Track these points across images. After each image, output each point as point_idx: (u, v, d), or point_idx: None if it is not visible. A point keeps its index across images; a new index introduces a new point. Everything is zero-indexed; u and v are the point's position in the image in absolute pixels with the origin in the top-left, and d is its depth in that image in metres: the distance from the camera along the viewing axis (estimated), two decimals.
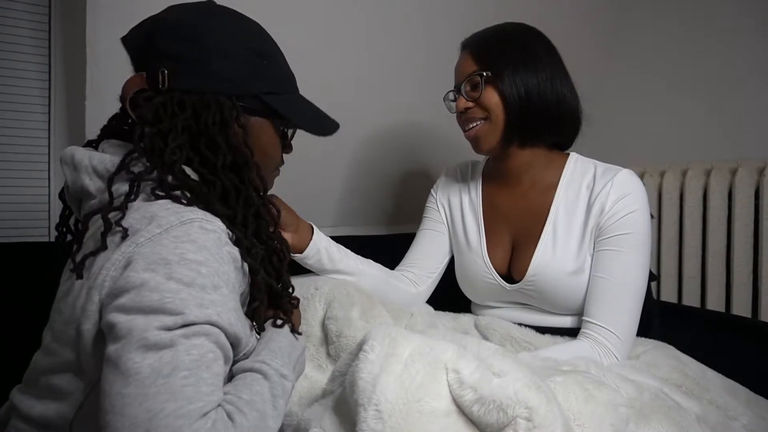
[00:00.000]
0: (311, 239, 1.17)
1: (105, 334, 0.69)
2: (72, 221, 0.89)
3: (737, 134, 1.91)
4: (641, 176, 1.99)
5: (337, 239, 1.67)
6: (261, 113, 0.87)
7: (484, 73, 1.18)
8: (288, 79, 0.93)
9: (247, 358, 0.80)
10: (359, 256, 1.27)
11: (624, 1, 2.17)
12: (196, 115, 0.81)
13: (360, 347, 0.86)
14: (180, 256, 0.70)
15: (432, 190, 1.42)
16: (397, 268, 1.37)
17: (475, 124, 1.21)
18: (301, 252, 1.16)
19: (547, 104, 1.18)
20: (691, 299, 1.91)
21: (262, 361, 0.79)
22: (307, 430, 0.85)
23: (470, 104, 1.21)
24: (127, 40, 0.87)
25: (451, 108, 1.28)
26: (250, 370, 0.78)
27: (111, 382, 0.65)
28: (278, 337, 0.85)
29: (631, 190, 1.17)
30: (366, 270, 1.25)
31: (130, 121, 0.87)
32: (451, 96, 1.27)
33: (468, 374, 0.80)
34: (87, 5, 1.27)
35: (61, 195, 0.89)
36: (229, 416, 0.69)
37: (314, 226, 1.20)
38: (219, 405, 0.69)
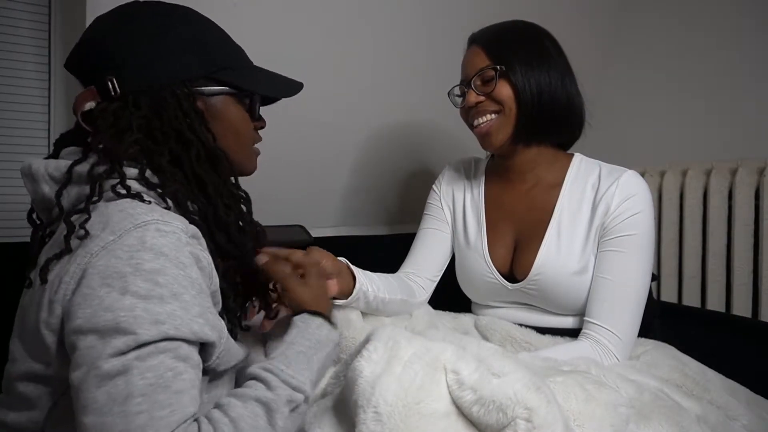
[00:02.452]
0: (354, 285, 1.14)
1: (68, 353, 0.69)
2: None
3: (737, 134, 1.91)
4: (641, 176, 1.99)
5: (338, 239, 1.66)
6: (219, 92, 0.86)
7: (498, 67, 1.18)
8: (234, 50, 0.91)
9: (220, 360, 0.77)
10: (384, 281, 1.23)
11: (624, 1, 2.17)
12: (156, 113, 0.80)
13: (363, 346, 0.86)
14: (135, 267, 0.68)
15: (434, 186, 1.40)
16: (402, 269, 1.36)
17: (486, 119, 1.20)
18: (346, 298, 1.13)
19: (557, 104, 1.19)
20: (691, 299, 1.91)
21: (270, 369, 0.77)
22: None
23: (482, 98, 1.20)
24: (69, 66, 0.87)
25: (457, 103, 1.27)
26: (255, 377, 0.77)
27: (75, 409, 0.66)
28: (301, 338, 0.84)
29: (636, 191, 1.17)
30: (391, 300, 1.22)
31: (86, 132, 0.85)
32: (458, 91, 1.26)
33: (467, 375, 0.80)
34: (87, 5, 1.27)
35: (30, 215, 0.86)
36: None
37: (352, 268, 1.16)
38: (190, 419, 0.68)
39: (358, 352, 0.86)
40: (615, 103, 2.10)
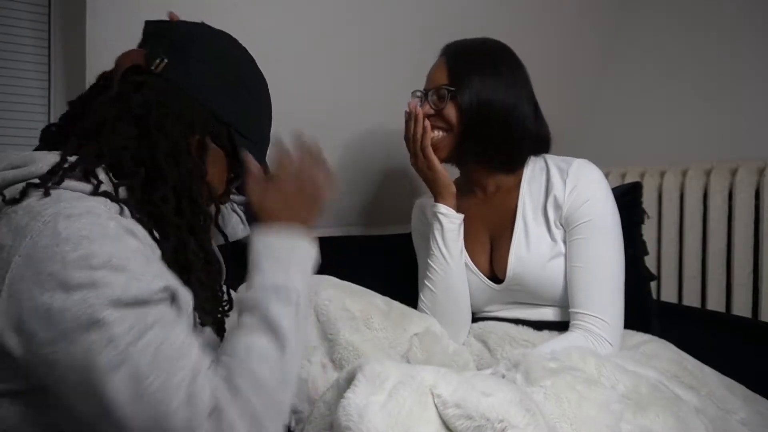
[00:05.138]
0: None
1: (35, 368, 0.66)
2: None
3: (737, 134, 1.90)
4: (641, 176, 1.99)
5: (337, 239, 1.67)
6: (222, 145, 0.86)
7: (451, 89, 1.24)
8: (265, 126, 0.93)
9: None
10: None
11: (624, 1, 2.17)
12: (161, 113, 0.79)
13: (347, 382, 0.85)
14: (62, 262, 0.64)
15: (413, 225, 1.45)
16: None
17: (435, 133, 1.27)
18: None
19: (503, 132, 1.24)
20: (691, 299, 1.90)
21: (243, 300, 0.76)
22: None
23: (432, 112, 1.26)
24: (148, 25, 0.90)
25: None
26: (243, 314, 0.75)
27: (87, 415, 0.65)
28: (265, 254, 0.79)
29: (582, 180, 1.22)
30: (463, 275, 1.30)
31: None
32: (419, 95, 1.31)
33: (450, 393, 0.80)
34: (87, 5, 1.27)
35: None
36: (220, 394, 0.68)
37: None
38: (203, 371, 0.68)
39: (346, 386, 0.85)
40: (615, 103, 2.10)
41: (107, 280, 0.65)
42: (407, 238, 1.45)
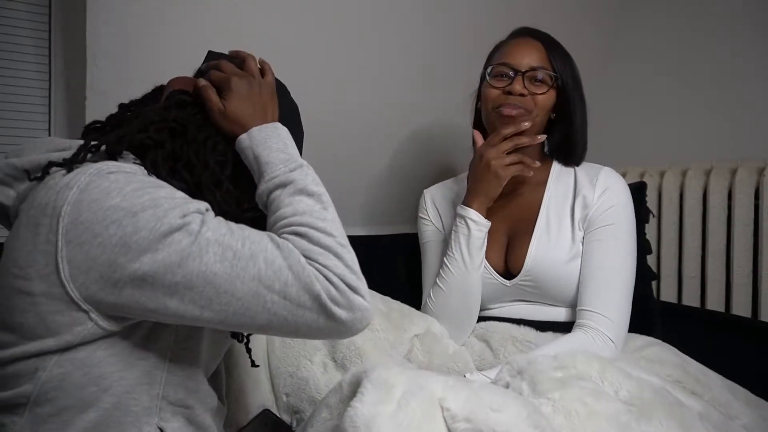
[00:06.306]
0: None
1: (135, 292, 0.70)
2: None
3: (737, 134, 1.90)
4: (641, 176, 2.00)
5: None
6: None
7: (557, 78, 1.25)
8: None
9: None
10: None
11: (624, 1, 2.17)
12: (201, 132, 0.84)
13: (351, 386, 0.84)
14: (121, 195, 0.70)
15: (420, 214, 1.42)
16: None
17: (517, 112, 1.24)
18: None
19: (577, 129, 1.28)
20: (691, 299, 1.90)
21: (266, 185, 0.81)
22: None
23: (525, 92, 1.24)
24: (210, 55, 0.94)
25: (488, 79, 1.28)
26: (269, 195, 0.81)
27: (199, 305, 0.70)
28: (263, 150, 0.83)
29: (611, 185, 1.25)
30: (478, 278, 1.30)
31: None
32: (510, 72, 1.25)
33: (459, 407, 0.79)
34: (87, 5, 1.27)
35: None
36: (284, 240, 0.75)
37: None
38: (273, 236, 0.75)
39: (350, 391, 0.84)
40: (615, 103, 2.10)
41: (166, 202, 0.71)
42: (407, 238, 1.44)
